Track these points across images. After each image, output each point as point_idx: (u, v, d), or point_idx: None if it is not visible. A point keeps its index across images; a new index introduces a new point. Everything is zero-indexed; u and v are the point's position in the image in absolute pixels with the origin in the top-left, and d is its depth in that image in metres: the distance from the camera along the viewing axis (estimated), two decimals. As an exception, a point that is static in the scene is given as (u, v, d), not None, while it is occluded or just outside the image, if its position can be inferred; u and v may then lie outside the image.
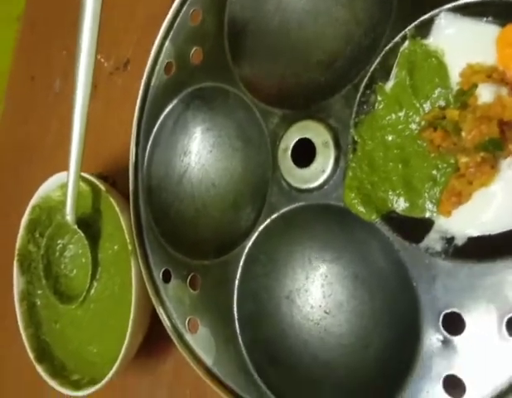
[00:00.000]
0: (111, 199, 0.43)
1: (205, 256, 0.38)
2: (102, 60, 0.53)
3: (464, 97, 0.26)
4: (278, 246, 0.35)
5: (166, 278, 0.40)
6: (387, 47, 0.30)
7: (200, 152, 0.41)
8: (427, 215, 0.28)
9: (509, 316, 0.25)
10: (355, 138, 0.31)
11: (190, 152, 0.41)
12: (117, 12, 0.53)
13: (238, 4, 0.37)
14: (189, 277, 0.38)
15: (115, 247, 0.47)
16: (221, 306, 0.37)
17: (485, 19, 0.27)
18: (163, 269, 0.40)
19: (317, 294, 0.34)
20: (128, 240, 0.42)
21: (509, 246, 0.25)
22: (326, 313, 0.34)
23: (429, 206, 0.28)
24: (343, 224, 0.32)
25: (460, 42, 0.28)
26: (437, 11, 0.28)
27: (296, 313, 0.35)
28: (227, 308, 0.36)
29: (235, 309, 0.36)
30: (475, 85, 0.26)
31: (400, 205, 0.29)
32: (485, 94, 0.25)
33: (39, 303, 0.50)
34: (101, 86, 0.53)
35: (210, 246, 0.38)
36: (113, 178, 0.51)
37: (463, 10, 0.27)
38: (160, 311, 0.40)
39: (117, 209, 0.43)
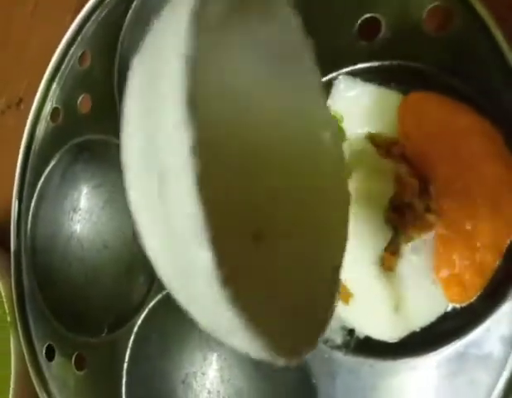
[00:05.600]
0: (-12, 261, 0.38)
1: (93, 333, 0.33)
2: (-7, 96, 0.48)
3: (363, 173, 0.23)
4: (172, 325, 0.31)
5: (50, 355, 0.35)
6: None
7: (91, 209, 0.36)
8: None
9: (414, 424, 0.22)
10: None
11: (81, 209, 0.37)
12: (10, 41, 0.47)
13: (130, 49, 0.33)
14: (74, 355, 0.34)
15: (-2, 312, 0.42)
16: (108, 390, 0.32)
17: (387, 85, 0.25)
18: (47, 345, 0.35)
19: (215, 379, 0.30)
20: (8, 310, 0.37)
21: (413, 345, 0.23)
22: (224, 400, 0.30)
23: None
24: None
25: (360, 108, 0.25)
26: (335, 74, 0.25)
27: (192, 399, 0.31)
28: (115, 393, 0.31)
29: (124, 395, 0.31)
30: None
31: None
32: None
33: None
34: (-8, 125, 0.48)
35: (99, 321, 0.34)
36: (3, 231, 0.45)
37: (364, 74, 0.25)
38: (42, 396, 0.34)
39: (-5, 273, 0.37)
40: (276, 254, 0.17)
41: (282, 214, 0.18)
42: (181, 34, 0.12)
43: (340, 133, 0.25)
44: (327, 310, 0.16)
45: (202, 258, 0.11)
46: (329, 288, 0.17)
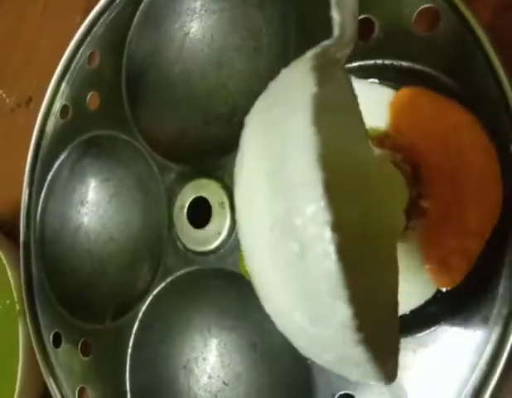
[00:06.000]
0: (-1, 250, 0.39)
1: (99, 320, 0.35)
2: (4, 95, 0.49)
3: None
4: (174, 312, 0.32)
5: (57, 342, 0.36)
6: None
7: (98, 203, 0.38)
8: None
9: (402, 401, 0.23)
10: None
11: (88, 202, 0.38)
12: (20, 42, 0.49)
13: (137, 49, 0.34)
14: (80, 342, 0.35)
15: (7, 302, 0.43)
16: (113, 375, 0.33)
17: (380, 82, 0.26)
18: (54, 332, 0.36)
19: (216, 364, 0.32)
20: (16, 299, 0.38)
21: (402, 327, 0.24)
22: (224, 383, 0.31)
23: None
24: (239, 290, 0.29)
25: (355, 104, 0.27)
26: (331, 72, 0.27)
27: (193, 383, 0.32)
28: (119, 378, 0.33)
29: (128, 379, 0.33)
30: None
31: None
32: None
33: None
34: (2, 123, 0.49)
35: (105, 309, 0.35)
36: (13, 223, 0.47)
37: (357, 72, 0.26)
38: (49, 381, 0.36)
39: (4, 262, 0.39)
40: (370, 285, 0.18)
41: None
42: (306, 136, 0.14)
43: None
44: (397, 329, 0.18)
45: (340, 312, 0.13)
46: (396, 309, 0.19)
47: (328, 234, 0.13)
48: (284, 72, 0.17)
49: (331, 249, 0.13)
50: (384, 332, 0.17)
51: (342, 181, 0.15)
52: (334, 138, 0.16)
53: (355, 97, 0.19)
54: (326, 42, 0.17)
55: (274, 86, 0.17)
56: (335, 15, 0.17)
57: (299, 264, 0.14)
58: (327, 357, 0.15)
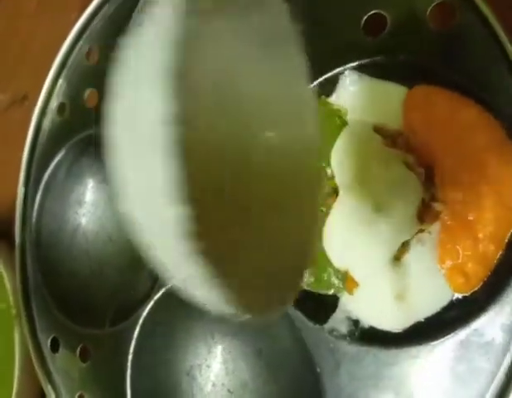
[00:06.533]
0: (-6, 253, 0.38)
1: (98, 325, 0.34)
2: (-2, 92, 0.48)
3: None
4: (176, 317, 0.31)
5: (55, 347, 0.35)
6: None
7: (96, 203, 0.37)
8: (333, 291, 0.26)
9: (416, 411, 0.23)
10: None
11: (86, 203, 0.37)
12: (15, 38, 0.48)
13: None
14: (79, 347, 0.34)
15: (3, 306, 0.42)
16: (113, 382, 0.32)
17: (392, 79, 0.25)
18: (51, 337, 0.35)
19: (220, 371, 0.31)
20: (12, 303, 0.37)
21: (415, 334, 0.23)
22: (229, 392, 0.30)
23: (335, 281, 0.26)
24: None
25: (365, 102, 0.26)
26: (341, 68, 0.26)
27: (196, 391, 0.31)
28: (119, 385, 0.32)
29: (128, 386, 0.32)
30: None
31: (305, 278, 0.26)
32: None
33: None
34: (-3, 121, 0.48)
35: (104, 313, 0.34)
36: (8, 225, 0.46)
37: (369, 69, 0.25)
38: (47, 388, 0.35)
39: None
40: (254, 225, 0.18)
41: (261, 188, 0.18)
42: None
43: (340, 127, 0.26)
44: (298, 279, 0.18)
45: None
46: (301, 261, 0.18)
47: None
48: None
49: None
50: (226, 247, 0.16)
51: None
52: None
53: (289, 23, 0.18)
54: None
55: None
56: None
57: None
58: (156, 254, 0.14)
